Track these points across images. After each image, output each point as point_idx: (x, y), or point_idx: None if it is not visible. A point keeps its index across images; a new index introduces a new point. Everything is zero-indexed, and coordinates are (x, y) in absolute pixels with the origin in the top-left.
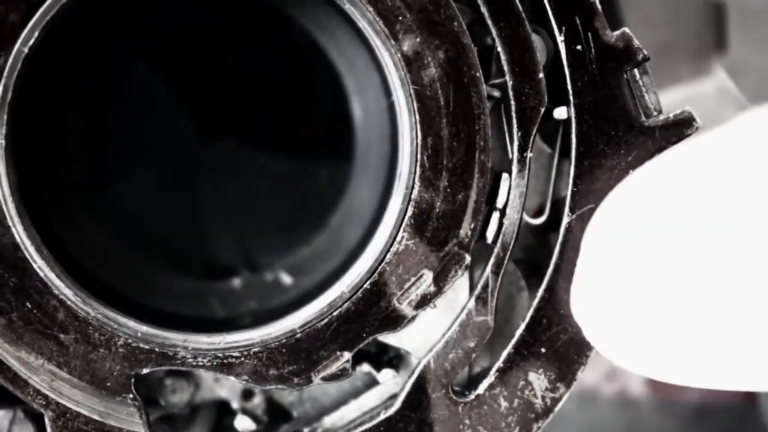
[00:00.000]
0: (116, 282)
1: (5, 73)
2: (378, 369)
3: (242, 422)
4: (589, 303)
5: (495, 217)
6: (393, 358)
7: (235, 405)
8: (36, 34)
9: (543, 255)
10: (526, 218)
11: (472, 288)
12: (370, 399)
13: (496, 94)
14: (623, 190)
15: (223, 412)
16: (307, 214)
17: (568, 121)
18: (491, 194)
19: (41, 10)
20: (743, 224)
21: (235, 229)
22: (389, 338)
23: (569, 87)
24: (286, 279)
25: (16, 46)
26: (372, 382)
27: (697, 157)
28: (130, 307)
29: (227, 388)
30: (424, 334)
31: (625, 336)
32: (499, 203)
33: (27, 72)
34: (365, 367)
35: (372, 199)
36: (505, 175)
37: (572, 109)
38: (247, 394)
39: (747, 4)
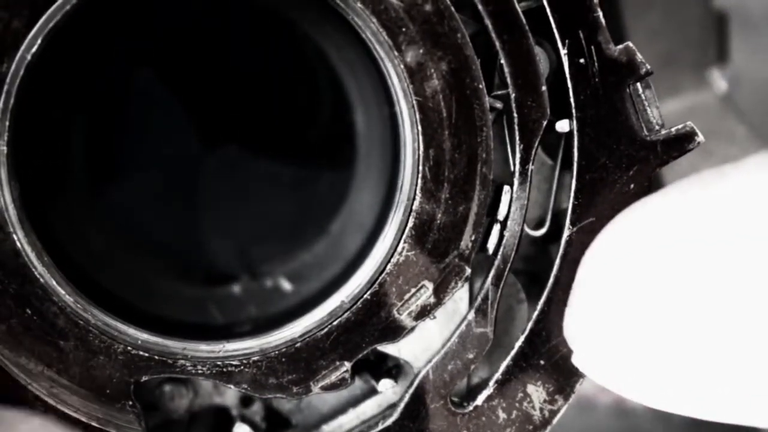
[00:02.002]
0: (116, 288)
1: (8, 80)
2: (377, 378)
3: (241, 429)
4: (584, 325)
5: (496, 229)
6: (392, 368)
7: (233, 412)
8: (39, 41)
9: (543, 267)
10: (527, 230)
11: (472, 299)
12: (368, 408)
13: (499, 105)
14: (624, 219)
15: (221, 418)
16: (308, 220)
17: (570, 134)
18: (492, 206)
19: (44, 17)
20: (742, 244)
21: (236, 235)
22: (388, 348)
23: (572, 100)
24: (286, 285)
25: (19, 52)
26: (371, 392)
27: (703, 190)
28: (130, 314)
29: (226, 394)
30: (423, 345)
31: (621, 360)
32: (500, 215)
33: (29, 79)
34: (364, 377)
35: (373, 207)
36: (506, 188)
37: (574, 123)
38: (245, 401)
39: (749, 15)
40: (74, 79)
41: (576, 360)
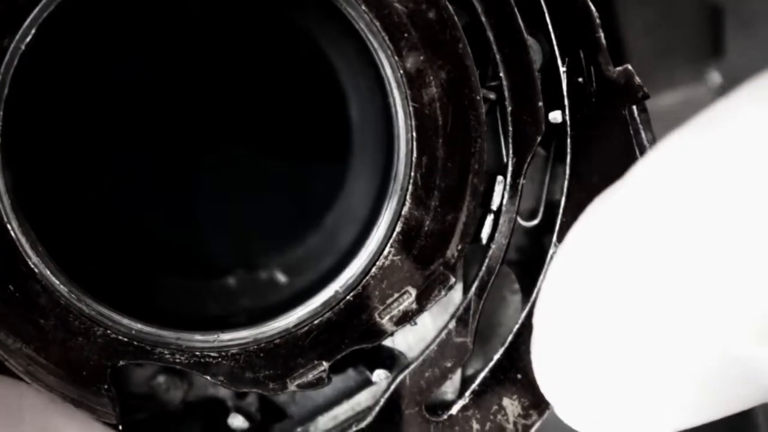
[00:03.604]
0: (111, 278)
1: (1, 70)
2: (371, 369)
3: (235, 420)
4: (551, 377)
5: (489, 219)
6: (386, 359)
7: (229, 403)
8: (33, 31)
9: (536, 257)
10: (520, 221)
11: (466, 289)
12: (363, 399)
13: (492, 96)
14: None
15: (216, 409)
16: (303, 214)
17: (563, 129)
18: (486, 196)
19: (39, 6)
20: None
21: (232, 228)
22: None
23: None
24: (281, 278)
25: (14, 41)
26: (365, 383)
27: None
28: (123, 302)
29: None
30: (417, 335)
31: (602, 409)
32: (494, 205)
33: (23, 69)
34: (359, 367)
35: (367, 202)
36: (499, 178)
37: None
38: (240, 393)
39: (744, 9)
40: (69, 70)
41: (558, 413)
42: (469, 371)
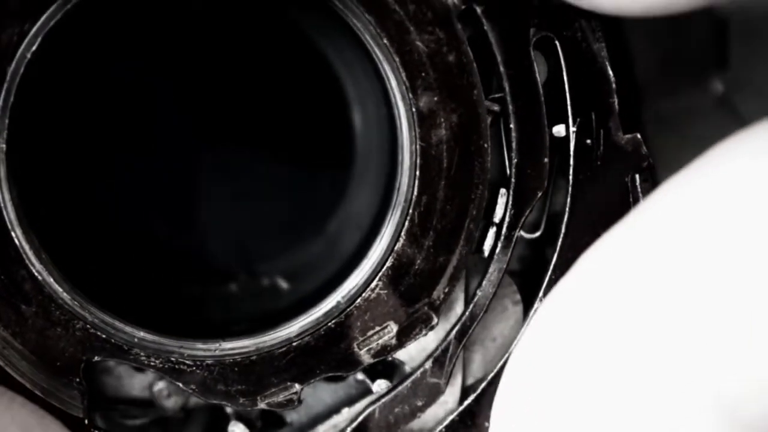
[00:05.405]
0: (114, 285)
1: (8, 78)
2: (372, 378)
3: (236, 428)
4: None
5: (491, 232)
6: (387, 368)
7: (229, 410)
8: (39, 39)
9: (538, 268)
10: (522, 233)
11: (467, 300)
12: (363, 408)
13: (496, 108)
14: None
15: (217, 416)
16: (306, 219)
17: (566, 140)
18: (488, 208)
19: (45, 16)
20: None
21: (234, 234)
22: None
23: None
24: (283, 284)
25: (20, 51)
26: (366, 391)
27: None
28: (127, 310)
29: None
30: (419, 345)
31: None
32: (496, 218)
33: (29, 77)
34: (360, 376)
35: (363, 229)
36: (502, 190)
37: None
38: None
39: (749, 19)
40: (73, 77)
41: None
42: (470, 380)
